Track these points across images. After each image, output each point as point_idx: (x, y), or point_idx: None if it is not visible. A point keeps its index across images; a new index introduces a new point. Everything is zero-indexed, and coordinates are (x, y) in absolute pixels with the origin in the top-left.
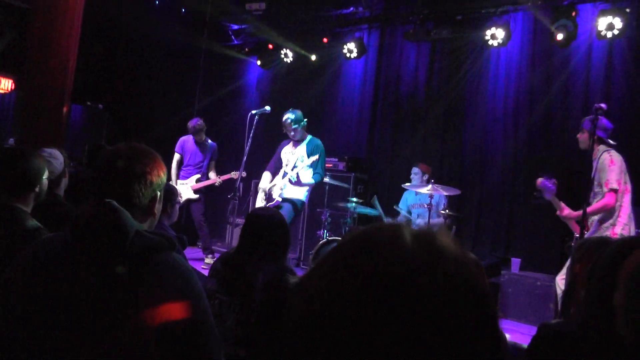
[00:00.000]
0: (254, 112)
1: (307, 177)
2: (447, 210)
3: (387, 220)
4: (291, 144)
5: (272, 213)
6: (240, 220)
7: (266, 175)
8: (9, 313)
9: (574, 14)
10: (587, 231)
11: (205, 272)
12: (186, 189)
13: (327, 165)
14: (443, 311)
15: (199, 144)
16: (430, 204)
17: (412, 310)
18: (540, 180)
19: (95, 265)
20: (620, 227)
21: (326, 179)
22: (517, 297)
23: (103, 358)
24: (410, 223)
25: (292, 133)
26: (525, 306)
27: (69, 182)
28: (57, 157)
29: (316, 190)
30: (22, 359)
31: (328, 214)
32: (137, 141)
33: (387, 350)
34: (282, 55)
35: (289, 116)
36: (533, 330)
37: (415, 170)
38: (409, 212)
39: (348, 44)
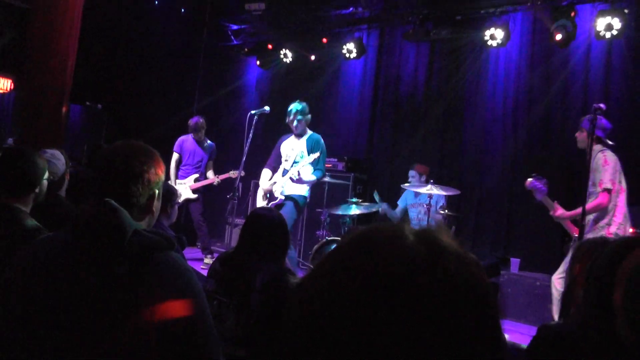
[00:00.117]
0: (253, 112)
1: (308, 174)
2: (446, 210)
3: (388, 209)
4: (291, 138)
5: (272, 213)
6: (240, 221)
7: (266, 173)
8: (9, 313)
9: (573, 14)
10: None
11: (205, 273)
12: (185, 188)
13: (326, 165)
14: (444, 311)
15: (198, 143)
16: (429, 204)
17: (412, 310)
18: (529, 181)
19: (95, 264)
20: (616, 226)
21: (326, 178)
22: (516, 297)
23: (103, 358)
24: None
25: (295, 124)
26: (524, 306)
27: (70, 182)
28: (59, 158)
29: (315, 190)
30: (22, 359)
31: (327, 214)
32: (135, 140)
33: (388, 351)
34: (282, 56)
35: (295, 106)
36: (532, 330)
37: (412, 173)
38: (405, 211)
39: (347, 44)
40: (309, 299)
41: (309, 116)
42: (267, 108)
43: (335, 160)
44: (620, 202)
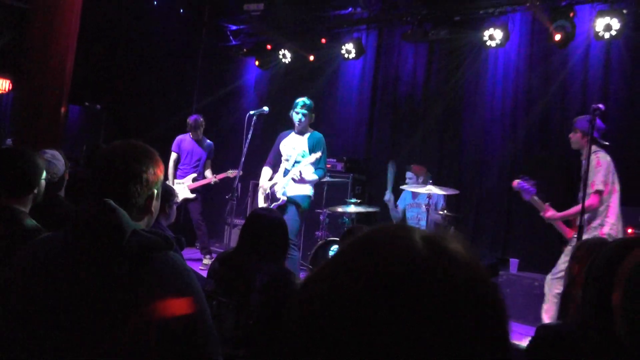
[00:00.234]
0: (252, 112)
1: (310, 173)
2: (445, 211)
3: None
4: (292, 135)
5: (272, 214)
6: (239, 221)
7: (266, 171)
8: (8, 313)
9: (572, 14)
10: (575, 231)
11: (204, 273)
12: (183, 188)
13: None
14: (444, 311)
15: (196, 142)
16: (428, 204)
17: (413, 310)
18: (516, 182)
19: (94, 264)
20: (609, 227)
21: (325, 178)
22: (515, 297)
23: (103, 358)
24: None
25: (300, 118)
26: (523, 307)
27: (69, 182)
28: (58, 159)
29: (314, 190)
30: (22, 359)
31: (326, 214)
32: (135, 140)
33: (388, 351)
34: (280, 56)
35: (304, 100)
36: (531, 330)
37: (409, 175)
38: (404, 212)
39: (346, 45)
40: (310, 299)
41: (314, 115)
42: (265, 108)
43: (334, 160)
44: (613, 203)
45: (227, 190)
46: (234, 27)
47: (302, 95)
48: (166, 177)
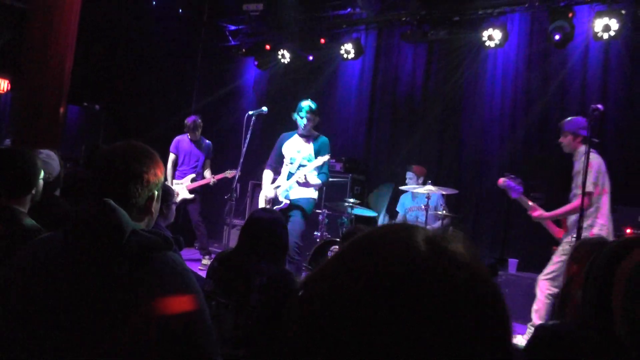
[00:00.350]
0: (250, 112)
1: (313, 177)
2: (444, 211)
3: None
4: (295, 138)
5: (272, 214)
6: (238, 221)
7: (267, 174)
8: (8, 313)
9: (570, 15)
10: (565, 231)
11: (203, 273)
12: (182, 189)
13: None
14: (444, 311)
15: (194, 143)
16: (427, 205)
17: (413, 310)
18: (502, 180)
19: (94, 264)
20: (598, 227)
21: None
22: (514, 297)
23: (103, 358)
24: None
25: (305, 122)
26: (522, 307)
27: (68, 182)
28: (54, 158)
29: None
30: (22, 359)
31: (325, 214)
32: (135, 140)
33: (388, 351)
34: (279, 56)
35: (309, 104)
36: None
37: (409, 175)
38: (405, 216)
39: (345, 45)
40: (310, 298)
41: (318, 118)
42: (264, 109)
43: (333, 160)
44: (603, 204)
45: (226, 190)
46: (233, 27)
47: (301, 95)
48: (165, 178)
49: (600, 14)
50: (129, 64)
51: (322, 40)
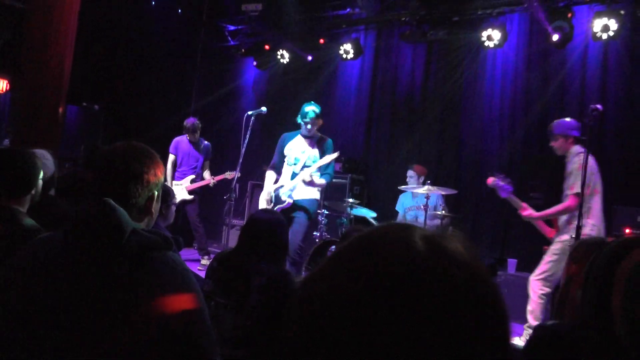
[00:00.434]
0: (250, 113)
1: (317, 177)
2: (443, 212)
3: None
4: (298, 139)
5: (273, 215)
6: (237, 222)
7: (270, 175)
8: (8, 312)
9: (569, 15)
10: (557, 231)
11: (202, 274)
12: (181, 189)
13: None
14: (444, 311)
15: (193, 144)
16: (426, 205)
17: (412, 310)
18: (491, 179)
19: (94, 264)
20: (589, 227)
21: None
22: (513, 297)
23: (103, 358)
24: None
25: (310, 126)
26: (521, 307)
27: (67, 182)
28: (48, 158)
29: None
30: (22, 359)
31: (324, 215)
32: (135, 140)
33: (388, 351)
34: (279, 56)
35: (314, 109)
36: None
37: (410, 173)
38: (405, 216)
39: (344, 45)
40: (310, 298)
41: (322, 120)
42: (264, 109)
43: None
44: (595, 204)
45: (226, 191)
46: (232, 28)
47: (301, 96)
48: (164, 179)
49: (599, 14)
50: (128, 64)
51: (322, 41)
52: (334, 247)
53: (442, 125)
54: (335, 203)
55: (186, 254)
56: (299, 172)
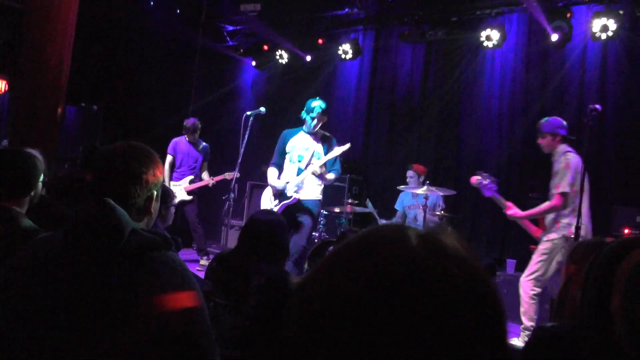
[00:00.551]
0: (248, 113)
1: (326, 172)
2: (442, 212)
3: (381, 220)
4: (301, 135)
5: (273, 216)
6: (236, 222)
7: (272, 171)
8: (8, 313)
9: (568, 15)
10: (543, 230)
11: (201, 274)
12: (179, 190)
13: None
14: (444, 311)
15: (192, 144)
16: (425, 205)
17: (412, 310)
18: (475, 178)
19: (94, 264)
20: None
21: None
22: (512, 298)
23: (103, 358)
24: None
25: (315, 122)
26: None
27: (65, 183)
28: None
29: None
30: (22, 359)
31: (323, 215)
32: (134, 141)
33: (388, 351)
34: (277, 57)
35: (320, 104)
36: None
37: (410, 173)
38: (405, 214)
39: (343, 45)
40: (309, 298)
41: (326, 117)
42: (262, 109)
43: None
44: (583, 204)
45: (225, 191)
46: (230, 28)
47: (300, 96)
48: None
49: (598, 14)
50: (127, 64)
51: (320, 41)
52: (332, 247)
53: (441, 125)
54: (334, 203)
55: (185, 254)
56: (304, 169)
